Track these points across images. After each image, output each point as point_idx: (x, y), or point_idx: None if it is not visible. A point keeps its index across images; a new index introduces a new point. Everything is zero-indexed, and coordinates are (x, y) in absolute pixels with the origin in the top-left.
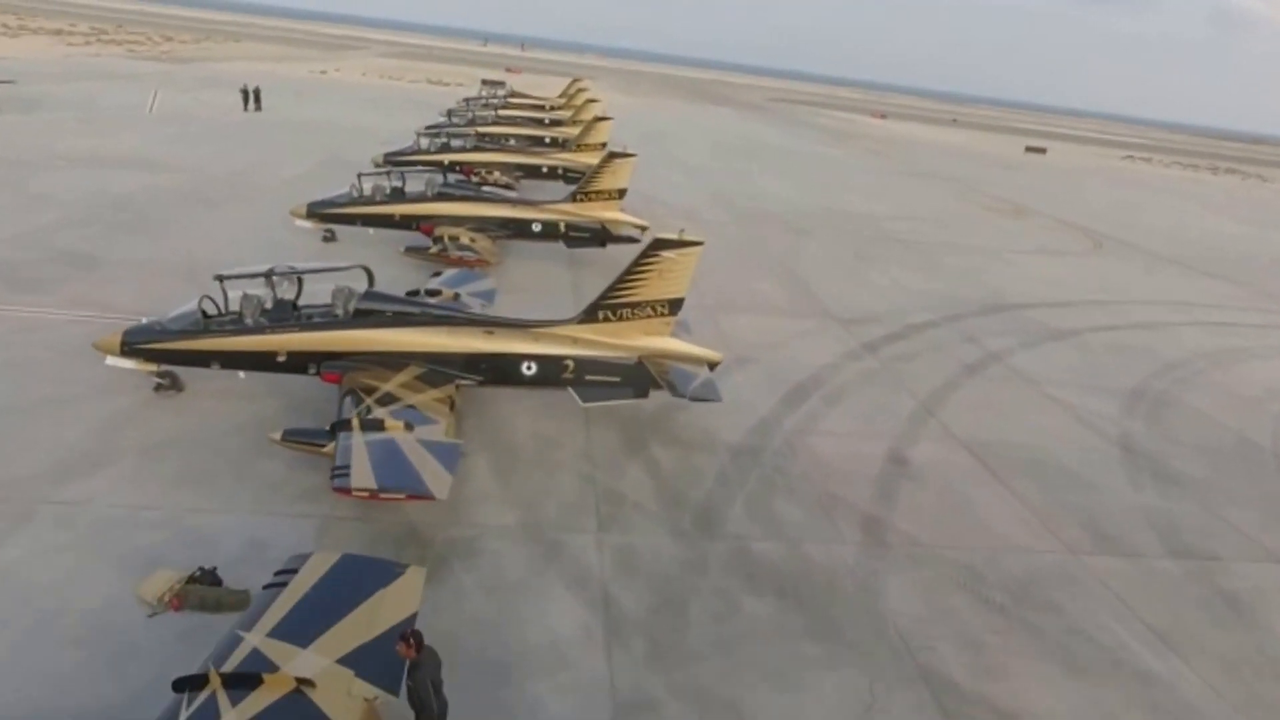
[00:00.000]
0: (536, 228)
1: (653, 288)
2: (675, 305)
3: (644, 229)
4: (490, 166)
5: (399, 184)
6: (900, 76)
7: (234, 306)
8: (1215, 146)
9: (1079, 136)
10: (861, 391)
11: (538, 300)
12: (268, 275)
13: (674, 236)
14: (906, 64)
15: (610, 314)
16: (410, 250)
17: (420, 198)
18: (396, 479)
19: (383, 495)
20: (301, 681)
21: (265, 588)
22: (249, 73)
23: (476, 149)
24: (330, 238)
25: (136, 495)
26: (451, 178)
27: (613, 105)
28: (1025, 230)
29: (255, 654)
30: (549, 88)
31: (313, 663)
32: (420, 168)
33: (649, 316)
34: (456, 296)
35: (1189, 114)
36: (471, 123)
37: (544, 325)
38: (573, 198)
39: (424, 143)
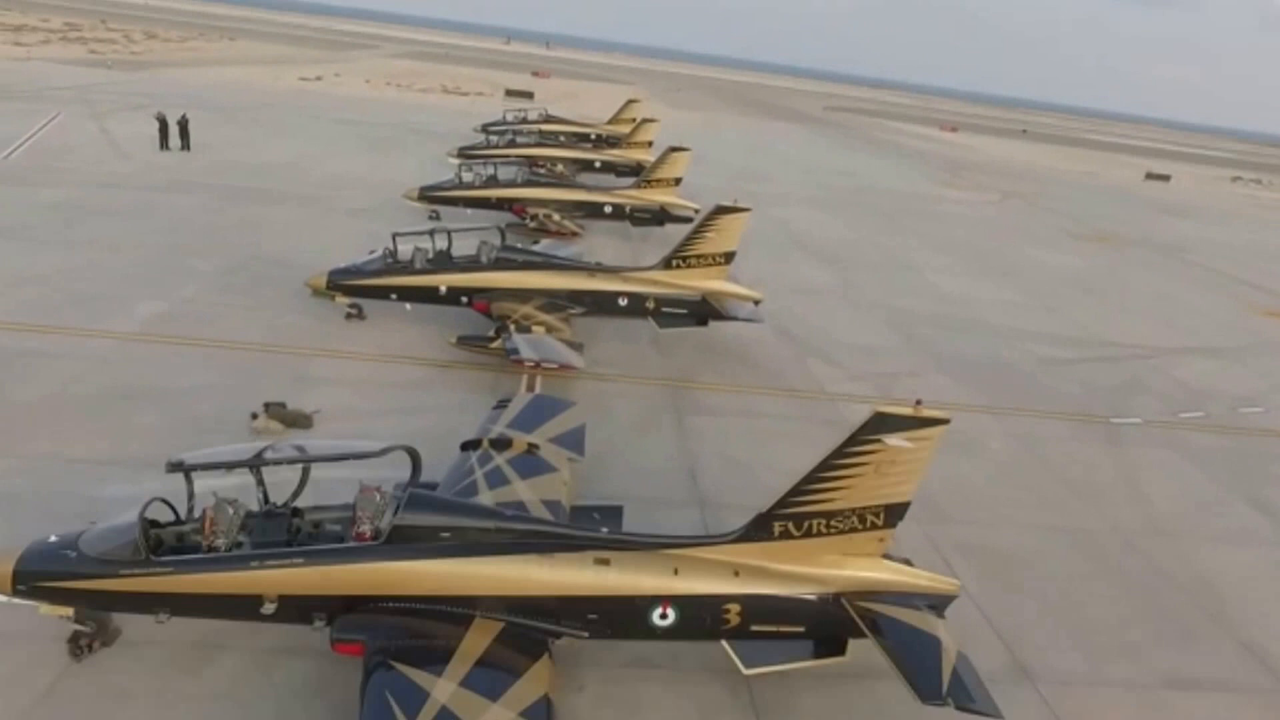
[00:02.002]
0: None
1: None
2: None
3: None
4: (532, 300)
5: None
6: (928, 77)
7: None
8: None
9: (1156, 150)
10: None
11: None
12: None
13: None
14: (934, 65)
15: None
16: None
17: (360, 528)
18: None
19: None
20: (531, 445)
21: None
22: (219, 82)
23: (501, 259)
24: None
25: None
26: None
27: (667, 124)
28: None
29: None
30: (584, 97)
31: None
32: (391, 296)
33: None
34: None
35: (1232, 118)
36: (492, 179)
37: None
38: None
39: (414, 252)
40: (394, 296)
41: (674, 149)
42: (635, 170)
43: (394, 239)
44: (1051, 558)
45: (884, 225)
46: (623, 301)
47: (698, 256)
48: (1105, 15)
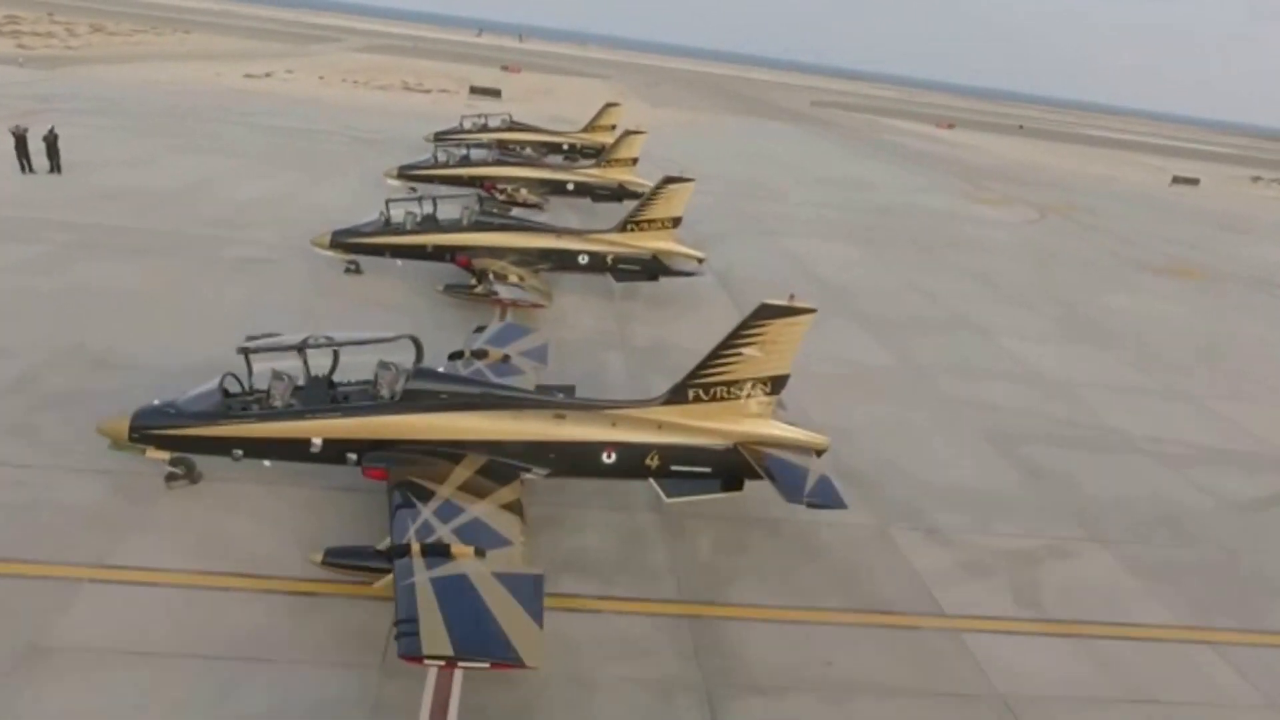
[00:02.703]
0: None
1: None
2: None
3: None
4: (461, 468)
5: None
6: (904, 68)
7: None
8: None
9: (1158, 146)
10: None
11: None
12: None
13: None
14: (909, 55)
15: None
16: None
17: None
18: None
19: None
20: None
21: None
22: (147, 80)
23: (413, 393)
24: None
25: None
26: None
27: (649, 124)
28: None
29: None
30: (558, 95)
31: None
32: (235, 453)
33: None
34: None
35: (1215, 109)
36: (430, 221)
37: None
38: None
39: (273, 384)
40: (239, 453)
41: (670, 179)
42: (617, 194)
43: (246, 357)
44: None
45: (923, 260)
46: (609, 458)
47: None
48: (1082, 5)
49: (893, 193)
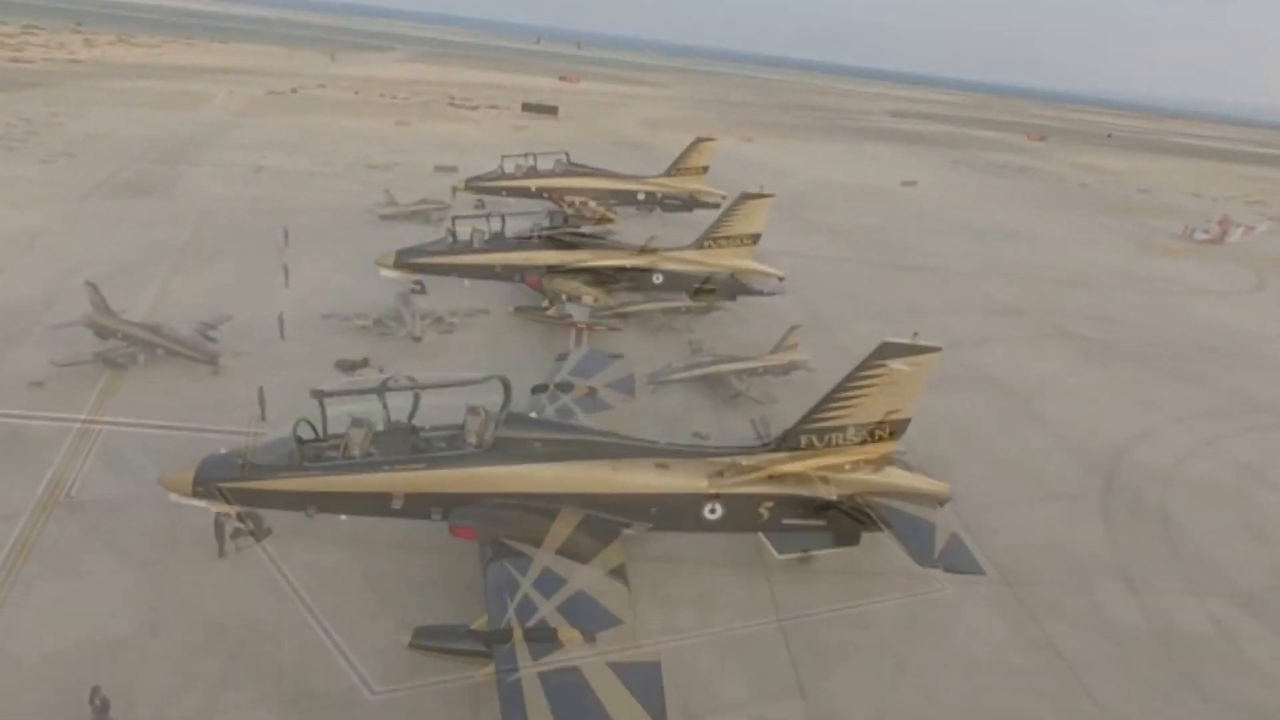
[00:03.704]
0: None
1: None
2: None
3: None
4: None
5: None
6: (939, 69)
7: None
8: None
9: (1250, 155)
10: None
11: None
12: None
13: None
14: (940, 56)
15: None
16: None
17: None
18: None
19: None
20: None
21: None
22: (130, 99)
23: None
24: None
25: None
26: None
27: (743, 149)
28: None
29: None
30: (621, 112)
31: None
32: None
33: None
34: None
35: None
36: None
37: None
38: None
39: None
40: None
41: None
42: (729, 290)
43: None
44: None
45: (1186, 386)
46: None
47: None
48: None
49: (1054, 246)
